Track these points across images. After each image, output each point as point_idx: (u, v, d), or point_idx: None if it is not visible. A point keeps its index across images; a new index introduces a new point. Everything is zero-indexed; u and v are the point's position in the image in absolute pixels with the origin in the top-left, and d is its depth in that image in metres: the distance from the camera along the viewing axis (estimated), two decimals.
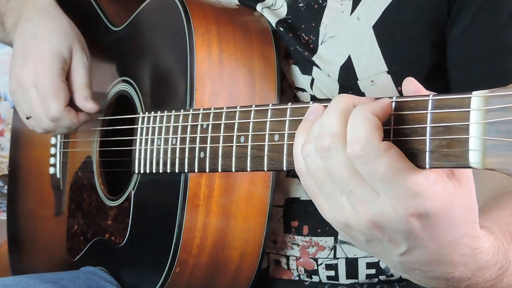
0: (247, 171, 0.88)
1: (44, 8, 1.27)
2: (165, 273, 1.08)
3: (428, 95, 0.67)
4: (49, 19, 1.25)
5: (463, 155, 0.63)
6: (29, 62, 1.21)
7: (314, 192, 0.74)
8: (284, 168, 0.82)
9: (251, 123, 0.87)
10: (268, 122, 0.84)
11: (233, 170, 0.90)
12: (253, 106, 0.87)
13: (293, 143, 0.80)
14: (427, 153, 0.66)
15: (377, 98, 0.71)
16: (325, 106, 0.73)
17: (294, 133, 0.80)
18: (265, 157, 0.84)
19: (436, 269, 0.74)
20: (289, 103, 0.81)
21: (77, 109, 1.23)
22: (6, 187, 1.76)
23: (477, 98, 0.63)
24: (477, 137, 0.62)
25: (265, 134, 0.84)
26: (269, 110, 0.84)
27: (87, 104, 1.22)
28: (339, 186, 0.70)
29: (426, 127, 0.66)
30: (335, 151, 0.68)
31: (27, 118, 1.25)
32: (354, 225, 0.71)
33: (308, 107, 0.79)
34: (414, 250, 0.72)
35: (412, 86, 0.70)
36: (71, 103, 1.22)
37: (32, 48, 1.22)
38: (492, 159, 0.61)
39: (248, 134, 0.87)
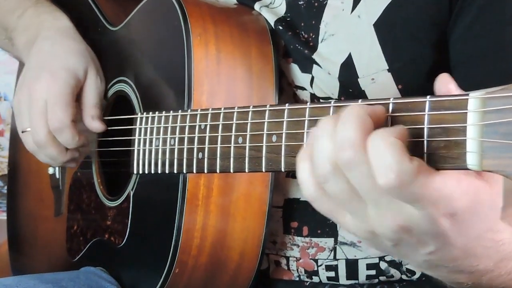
0: (245, 172, 0.87)
1: (63, 30, 1.27)
2: (164, 273, 1.08)
3: (425, 97, 0.67)
4: (68, 40, 1.26)
5: (461, 157, 0.63)
6: (44, 75, 1.20)
7: (332, 211, 0.72)
8: (282, 169, 0.81)
9: (248, 124, 0.86)
10: (265, 123, 0.83)
11: (231, 171, 0.90)
12: (251, 106, 0.86)
13: (291, 144, 0.80)
14: (425, 155, 0.66)
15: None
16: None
17: (292, 133, 0.80)
18: (263, 158, 0.84)
19: (462, 263, 0.74)
20: (287, 104, 0.81)
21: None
22: (6, 187, 1.76)
23: (474, 99, 0.62)
24: (474, 139, 0.62)
25: (262, 134, 0.84)
26: (267, 111, 0.83)
27: (93, 123, 1.22)
28: (365, 197, 0.68)
29: (424, 128, 0.66)
30: (357, 161, 0.65)
31: (23, 132, 1.23)
32: (381, 232, 0.70)
33: (306, 108, 0.78)
34: (441, 249, 0.71)
35: (444, 87, 0.68)
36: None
37: (48, 62, 1.22)
38: (490, 161, 0.61)
39: (246, 135, 0.87)
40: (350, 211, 0.70)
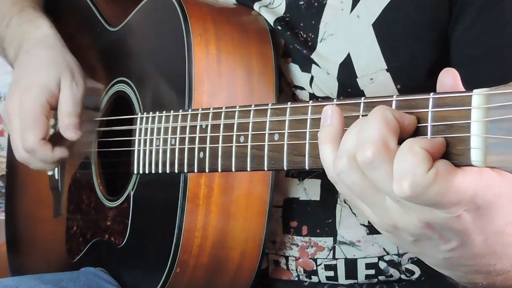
0: (247, 171, 0.88)
1: (41, 39, 1.28)
2: (165, 273, 1.08)
3: (428, 93, 0.67)
4: (42, 51, 1.26)
5: (465, 153, 0.63)
6: (16, 92, 1.23)
7: (353, 199, 0.73)
8: (285, 168, 0.81)
9: (250, 123, 0.86)
10: (267, 122, 0.84)
11: (233, 170, 0.90)
12: (253, 105, 0.87)
13: (293, 143, 0.80)
14: None
15: (408, 113, 0.68)
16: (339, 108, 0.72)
17: (294, 132, 0.80)
18: (265, 157, 0.84)
19: (481, 262, 0.74)
20: (289, 102, 0.81)
21: (55, 144, 1.23)
22: None
23: (478, 96, 0.62)
24: (478, 135, 0.62)
25: (264, 133, 0.84)
26: (269, 110, 0.84)
27: (67, 132, 1.22)
28: (386, 194, 0.68)
29: (427, 126, 0.66)
30: (379, 161, 0.65)
31: None
32: (403, 226, 0.70)
33: (308, 106, 0.79)
34: (462, 245, 0.71)
35: (451, 79, 0.68)
36: (54, 137, 1.24)
37: (23, 79, 1.24)
38: (494, 157, 0.61)
39: (248, 134, 0.87)
40: (366, 203, 0.71)
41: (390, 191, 0.66)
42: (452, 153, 0.64)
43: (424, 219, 0.68)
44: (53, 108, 1.23)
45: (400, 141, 0.66)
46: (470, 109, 0.63)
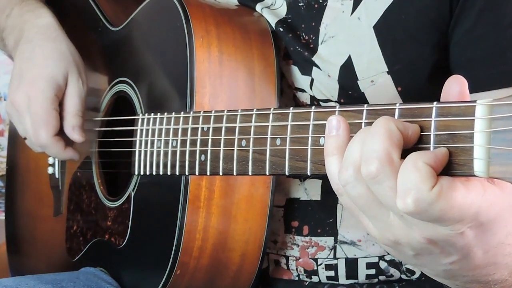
0: (248, 174, 0.88)
1: (44, 29, 1.26)
2: (166, 275, 1.08)
3: (432, 102, 0.67)
4: (47, 42, 1.24)
5: (468, 163, 0.63)
6: (23, 85, 1.21)
7: (356, 212, 0.73)
8: (286, 173, 0.82)
9: (252, 127, 0.86)
10: (269, 126, 0.83)
11: (235, 173, 0.90)
12: (255, 109, 0.87)
13: (295, 148, 0.80)
14: None
15: (411, 121, 0.68)
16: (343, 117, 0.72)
17: (296, 137, 0.80)
18: (267, 161, 0.84)
19: (480, 272, 0.74)
20: (291, 108, 0.81)
21: (68, 141, 1.23)
22: None
23: (481, 106, 0.62)
24: (482, 146, 0.62)
25: (266, 138, 0.84)
26: (271, 114, 0.84)
27: (73, 135, 1.21)
28: (389, 209, 0.68)
29: (430, 135, 0.66)
30: (384, 176, 0.65)
31: (24, 138, 1.25)
32: (405, 242, 0.70)
33: (310, 112, 0.78)
34: (464, 258, 0.72)
35: (458, 86, 0.68)
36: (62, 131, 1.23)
37: (28, 71, 1.22)
38: (497, 167, 0.61)
39: (250, 138, 0.87)
40: (369, 216, 0.71)
41: (393, 206, 0.66)
42: (455, 163, 0.64)
43: (427, 235, 0.68)
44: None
45: (403, 151, 0.66)
46: (474, 119, 0.63)
